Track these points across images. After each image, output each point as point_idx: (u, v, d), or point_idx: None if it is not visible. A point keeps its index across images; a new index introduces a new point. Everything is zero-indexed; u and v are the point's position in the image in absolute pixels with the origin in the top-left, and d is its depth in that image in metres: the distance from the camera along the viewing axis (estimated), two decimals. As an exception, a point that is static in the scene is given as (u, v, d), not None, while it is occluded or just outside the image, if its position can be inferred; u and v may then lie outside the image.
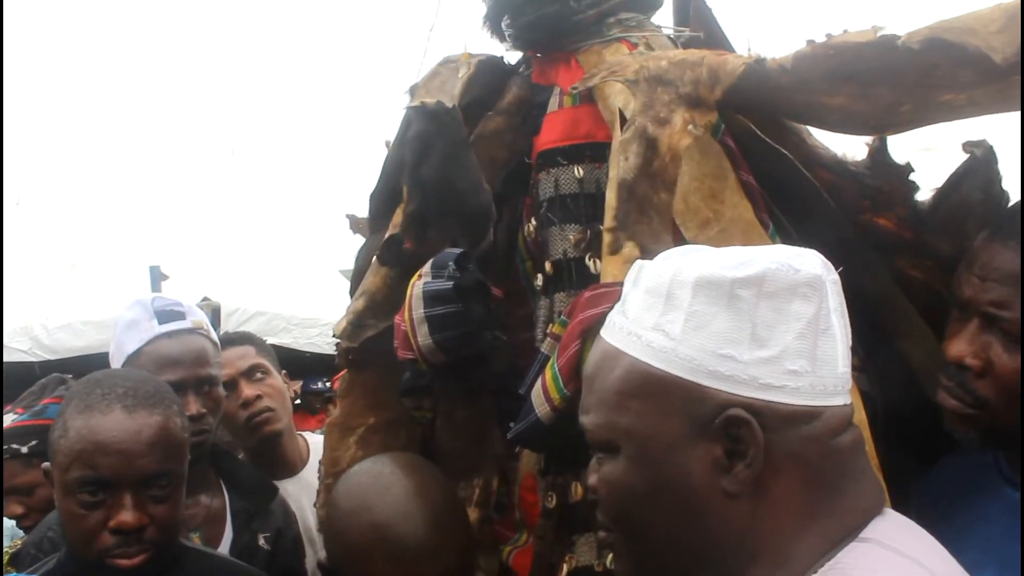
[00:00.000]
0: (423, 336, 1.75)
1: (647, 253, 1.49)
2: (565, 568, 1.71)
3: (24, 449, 2.54)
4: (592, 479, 1.06)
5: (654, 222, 1.47)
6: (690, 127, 1.46)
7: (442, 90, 1.87)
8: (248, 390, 2.55)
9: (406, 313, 1.78)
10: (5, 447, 2.53)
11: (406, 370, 1.96)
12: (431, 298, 1.75)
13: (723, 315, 0.94)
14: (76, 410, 1.56)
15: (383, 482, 1.53)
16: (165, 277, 5.22)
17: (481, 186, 1.85)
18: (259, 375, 2.58)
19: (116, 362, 2.16)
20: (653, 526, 0.99)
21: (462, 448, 1.90)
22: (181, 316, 2.17)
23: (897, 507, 1.05)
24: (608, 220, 1.55)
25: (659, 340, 0.97)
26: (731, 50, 1.80)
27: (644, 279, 1.02)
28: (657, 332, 0.98)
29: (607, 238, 1.55)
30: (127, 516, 1.51)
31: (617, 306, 1.06)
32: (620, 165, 1.52)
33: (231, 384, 2.53)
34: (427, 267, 1.82)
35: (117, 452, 1.52)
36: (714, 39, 1.79)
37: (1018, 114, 1.33)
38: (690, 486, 0.96)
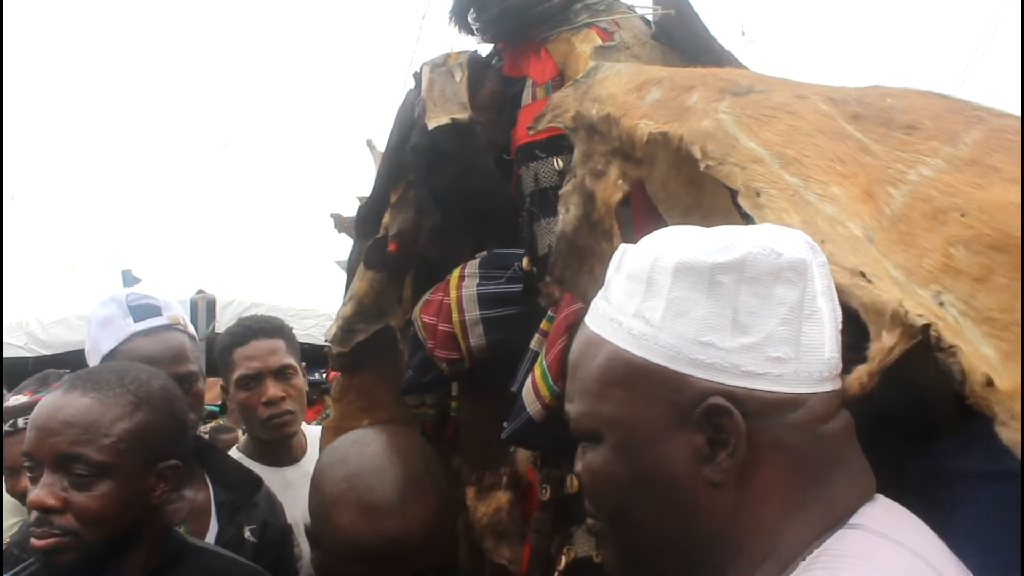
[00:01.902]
0: (477, 337, 1.80)
1: (587, 301, 1.50)
2: (564, 560, 1.72)
3: (21, 422, 2.49)
4: (577, 467, 1.05)
5: (595, 270, 1.47)
6: (619, 182, 1.45)
7: (449, 98, 1.84)
8: (273, 389, 2.52)
9: (453, 315, 1.81)
10: (9, 422, 2.50)
11: (403, 370, 1.97)
12: (491, 300, 1.80)
13: (703, 301, 0.92)
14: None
15: (363, 440, 1.54)
16: (137, 280, 5.20)
17: (506, 190, 1.86)
18: (287, 374, 2.56)
19: (92, 361, 2.10)
20: (637, 515, 0.98)
21: (487, 439, 1.91)
22: (157, 312, 2.11)
23: (889, 488, 1.04)
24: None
25: (640, 327, 0.95)
26: (704, 28, 1.77)
27: (626, 264, 1.00)
28: (638, 319, 0.96)
29: (546, 291, 1.60)
30: (36, 494, 1.48)
31: (601, 291, 1.05)
32: (562, 216, 1.53)
33: (257, 377, 2.53)
34: (471, 269, 1.84)
35: (36, 427, 1.51)
36: (686, 17, 1.76)
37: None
38: (673, 475, 0.94)
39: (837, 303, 0.98)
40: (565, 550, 1.73)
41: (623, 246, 1.03)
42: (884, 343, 0.97)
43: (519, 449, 1.89)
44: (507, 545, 1.87)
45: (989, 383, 0.95)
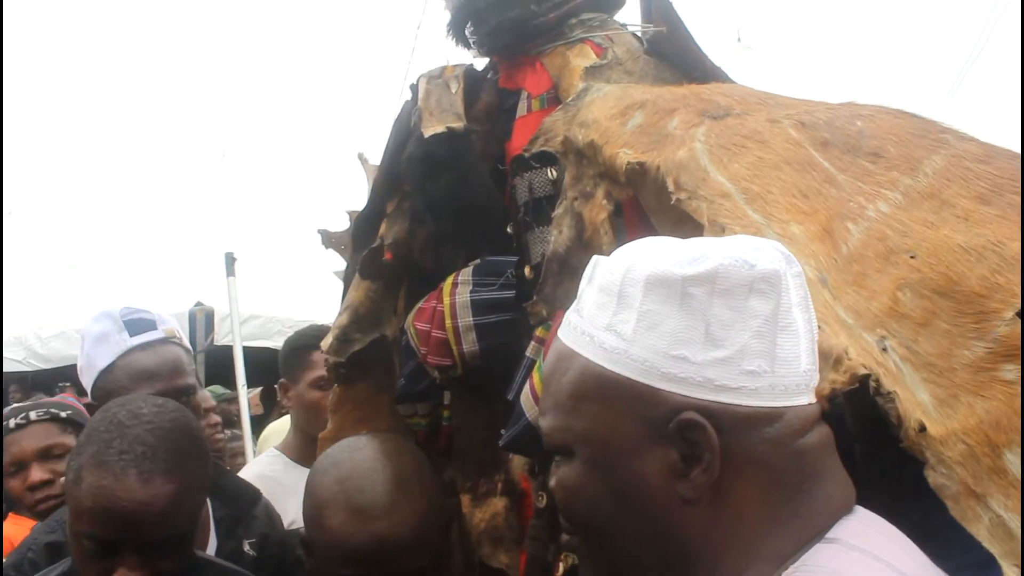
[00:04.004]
0: (469, 343, 1.83)
1: None
2: (561, 567, 1.74)
3: (34, 415, 2.58)
4: (551, 482, 1.03)
5: None
6: (604, 201, 1.49)
7: (445, 109, 1.87)
8: None
9: (447, 321, 1.84)
10: (21, 415, 2.57)
11: (398, 380, 1.99)
12: (484, 306, 1.83)
13: (675, 314, 0.91)
14: (91, 461, 1.51)
15: (355, 445, 1.57)
16: (234, 259, 5.40)
17: (500, 200, 1.89)
18: None
19: (87, 378, 2.11)
20: (611, 531, 0.96)
21: (480, 446, 1.94)
22: (152, 325, 2.11)
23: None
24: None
25: (611, 341, 0.94)
26: (695, 44, 1.80)
27: (598, 276, 0.98)
28: (610, 332, 0.94)
29: (532, 310, 1.63)
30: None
31: (573, 304, 1.03)
32: (554, 238, 1.57)
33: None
34: (464, 276, 1.86)
35: (125, 520, 1.48)
36: (677, 34, 1.79)
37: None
38: (646, 491, 0.93)
39: (813, 314, 0.97)
40: (562, 557, 1.74)
41: (595, 258, 1.02)
42: (827, 380, 1.01)
43: (513, 457, 1.91)
44: (504, 551, 1.89)
45: (922, 429, 0.99)
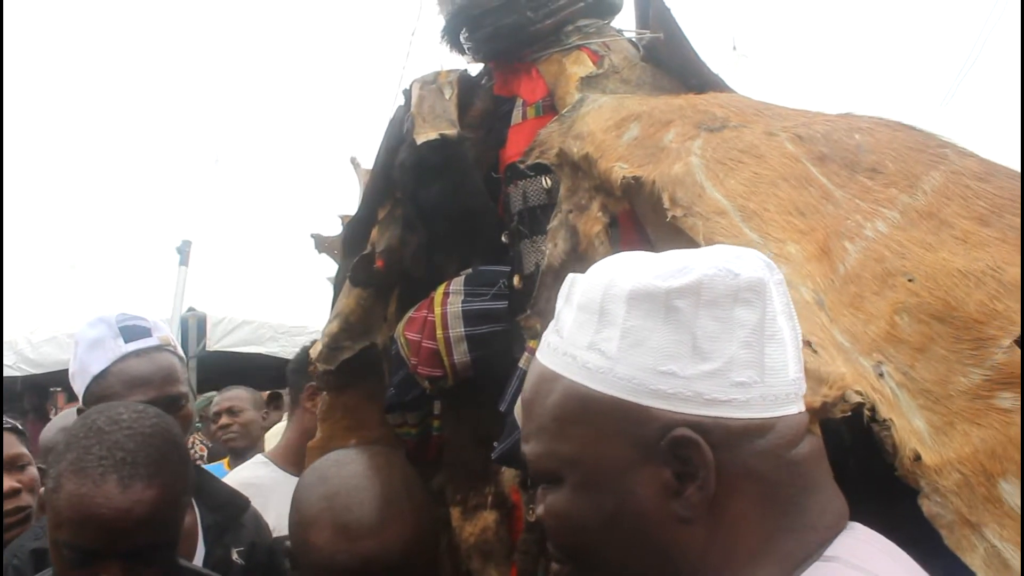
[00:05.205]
0: (461, 354, 1.81)
1: None
2: (551, 581, 1.71)
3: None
4: (539, 510, 1.00)
5: None
6: (599, 214, 1.48)
7: (438, 115, 1.85)
8: None
9: (438, 332, 1.82)
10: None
11: (388, 389, 1.97)
12: (476, 317, 1.81)
13: (661, 329, 0.89)
14: (71, 468, 1.48)
15: (343, 460, 1.54)
16: (188, 249, 5.33)
17: (493, 208, 1.87)
18: None
19: (79, 383, 2.10)
20: (605, 557, 0.94)
21: (471, 458, 1.92)
22: (147, 332, 2.10)
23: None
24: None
25: (595, 360, 0.92)
26: (692, 51, 1.78)
27: (576, 295, 0.96)
28: (593, 351, 0.92)
29: (526, 324, 1.61)
30: None
31: (551, 324, 1.00)
32: (549, 251, 1.56)
33: None
34: (456, 286, 1.84)
35: (106, 529, 1.45)
36: (674, 40, 1.77)
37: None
38: (640, 513, 0.91)
39: (796, 321, 0.96)
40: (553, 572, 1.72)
41: (571, 276, 0.99)
42: (816, 401, 1.00)
43: (504, 469, 1.89)
44: (494, 566, 1.87)
45: (917, 458, 0.98)
